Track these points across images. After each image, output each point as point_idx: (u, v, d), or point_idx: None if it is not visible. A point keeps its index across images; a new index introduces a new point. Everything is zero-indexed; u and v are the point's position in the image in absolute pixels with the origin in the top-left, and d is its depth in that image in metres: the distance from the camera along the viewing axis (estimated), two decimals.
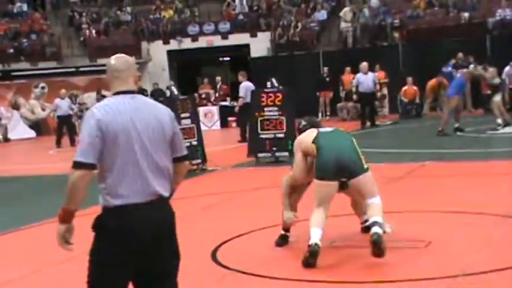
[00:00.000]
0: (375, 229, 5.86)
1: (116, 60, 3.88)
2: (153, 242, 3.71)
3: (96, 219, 3.66)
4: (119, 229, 3.60)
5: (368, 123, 20.68)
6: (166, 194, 3.83)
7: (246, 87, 18.53)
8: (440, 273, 5.57)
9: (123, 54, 4.00)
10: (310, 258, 5.94)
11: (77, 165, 3.56)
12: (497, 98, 17.06)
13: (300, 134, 6.88)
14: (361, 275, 5.75)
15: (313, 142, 6.45)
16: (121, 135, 3.62)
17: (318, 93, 24.60)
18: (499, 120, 16.73)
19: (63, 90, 23.10)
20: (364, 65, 20.94)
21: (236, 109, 20.11)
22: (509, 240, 6.45)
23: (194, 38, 30.53)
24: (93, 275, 3.68)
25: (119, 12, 32.99)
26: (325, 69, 24.90)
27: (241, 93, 18.80)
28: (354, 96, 21.69)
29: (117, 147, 3.61)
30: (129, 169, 3.63)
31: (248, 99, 17.64)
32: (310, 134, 6.62)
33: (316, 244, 5.96)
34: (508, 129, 16.64)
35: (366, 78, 20.75)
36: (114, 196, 3.61)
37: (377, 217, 6.02)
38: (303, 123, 7.00)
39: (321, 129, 6.74)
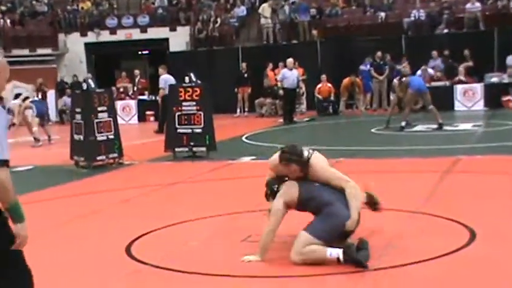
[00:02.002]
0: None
1: None
2: None
3: None
4: None
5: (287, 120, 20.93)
6: None
7: (165, 79, 18.89)
8: (354, 268, 5.67)
9: None
10: None
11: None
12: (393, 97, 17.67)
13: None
14: (273, 270, 5.80)
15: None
16: None
17: (236, 89, 24.63)
18: (403, 123, 17.09)
19: None
20: (290, 60, 21.15)
21: (159, 99, 20.06)
22: (419, 234, 6.62)
23: (112, 31, 30.12)
24: None
25: (34, 2, 32.19)
26: (244, 65, 24.97)
27: (161, 85, 19.09)
28: (280, 92, 21.84)
29: None
30: None
31: (167, 91, 18.17)
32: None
33: None
34: (420, 128, 17.12)
35: (291, 74, 20.97)
36: None
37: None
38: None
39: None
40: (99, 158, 12.92)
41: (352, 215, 5.81)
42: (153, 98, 22.07)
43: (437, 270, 5.58)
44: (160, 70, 19.74)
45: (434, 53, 23.25)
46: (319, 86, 23.66)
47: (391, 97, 17.80)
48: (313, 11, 27.53)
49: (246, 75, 24.70)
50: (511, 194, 8.55)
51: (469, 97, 22.26)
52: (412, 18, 26.05)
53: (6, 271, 3.76)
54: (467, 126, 17.21)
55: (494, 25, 24.20)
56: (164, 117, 18.28)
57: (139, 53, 34.19)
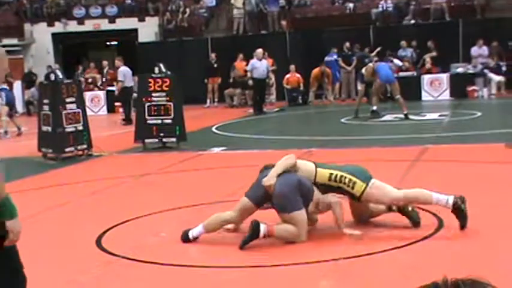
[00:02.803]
0: None
1: None
2: None
3: None
4: None
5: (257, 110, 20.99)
6: None
7: (123, 71, 19.70)
8: (323, 257, 5.75)
9: None
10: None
11: None
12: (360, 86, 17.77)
13: None
14: (242, 260, 5.85)
15: None
16: None
17: (205, 80, 24.59)
18: (374, 107, 17.32)
19: None
20: (259, 51, 21.19)
21: (116, 93, 20.34)
22: (389, 223, 6.71)
23: (80, 21, 29.86)
24: None
25: None
26: (213, 55, 24.92)
27: (120, 77, 19.83)
28: (250, 82, 21.87)
29: None
30: None
31: (127, 83, 19.57)
32: None
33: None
34: (388, 117, 17.29)
35: (261, 65, 21.01)
36: None
37: None
38: None
39: None
40: (67, 149, 12.84)
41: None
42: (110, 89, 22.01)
43: (407, 258, 5.69)
44: (117, 62, 20.37)
45: (403, 43, 23.43)
46: (287, 76, 23.72)
47: (358, 87, 17.92)
48: (282, 2, 27.56)
49: (215, 65, 24.66)
50: (476, 182, 8.70)
51: (435, 87, 22.50)
52: (380, 9, 26.23)
53: None
54: (434, 115, 17.41)
55: (459, 16, 24.48)
56: (128, 108, 19.41)
57: (108, 43, 33.95)
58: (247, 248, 6.11)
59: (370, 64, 17.73)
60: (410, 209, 6.48)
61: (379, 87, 17.31)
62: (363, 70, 18.01)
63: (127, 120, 19.35)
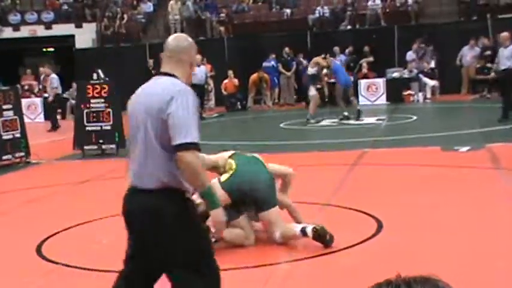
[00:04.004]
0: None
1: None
2: (138, 229, 3.70)
3: None
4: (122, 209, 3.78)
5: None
6: (159, 184, 3.58)
7: (56, 78, 20.11)
8: (265, 261, 5.82)
9: (182, 34, 4.07)
10: None
11: None
12: (313, 92, 17.89)
13: None
14: None
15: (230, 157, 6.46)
16: (130, 118, 3.74)
17: None
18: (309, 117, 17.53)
19: None
20: (198, 57, 21.14)
21: (50, 99, 20.28)
22: (330, 226, 6.82)
23: (16, 27, 29.31)
24: None
25: None
26: (151, 61, 24.75)
27: (55, 85, 20.06)
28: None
29: (131, 129, 3.72)
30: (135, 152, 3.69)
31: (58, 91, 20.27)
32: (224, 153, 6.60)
33: None
34: (326, 122, 17.52)
35: (199, 71, 21.00)
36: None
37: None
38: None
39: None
40: (4, 157, 12.61)
41: None
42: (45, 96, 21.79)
43: (349, 260, 5.79)
44: (47, 70, 20.48)
45: (336, 48, 23.66)
46: (225, 82, 23.77)
47: (311, 92, 17.84)
48: (220, 8, 27.62)
49: (153, 71, 24.50)
50: (413, 184, 8.91)
51: (372, 92, 22.89)
52: (317, 15, 26.54)
53: (196, 266, 3.61)
54: (371, 120, 17.72)
55: (394, 22, 24.98)
56: (56, 115, 20.39)
57: (45, 50, 33.41)
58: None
59: (326, 59, 17.89)
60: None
61: (339, 91, 17.64)
62: (311, 69, 17.98)
63: (53, 128, 19.89)
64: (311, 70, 17.93)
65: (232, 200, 6.13)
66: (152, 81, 3.81)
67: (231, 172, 6.28)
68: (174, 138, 3.49)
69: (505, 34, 15.17)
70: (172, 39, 3.87)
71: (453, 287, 1.32)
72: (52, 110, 20.56)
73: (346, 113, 17.48)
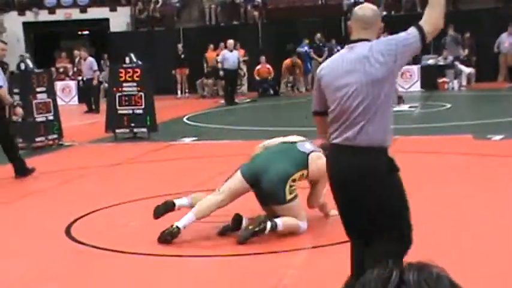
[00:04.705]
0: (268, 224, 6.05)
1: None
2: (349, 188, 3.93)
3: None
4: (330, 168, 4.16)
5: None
6: (371, 142, 3.87)
7: (94, 61, 20.46)
8: (293, 246, 5.83)
9: (369, 5, 4.26)
10: (166, 236, 6.00)
11: None
12: None
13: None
14: (210, 249, 5.90)
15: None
16: (332, 86, 4.05)
17: (173, 71, 24.45)
18: None
19: None
20: (231, 42, 21.21)
21: (95, 82, 20.34)
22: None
23: (51, 10, 29.56)
24: None
25: None
26: (180, 46, 24.81)
27: (95, 67, 20.23)
28: (221, 73, 21.87)
29: (333, 95, 4.05)
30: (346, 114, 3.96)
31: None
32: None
33: (177, 227, 6.00)
34: None
35: (232, 55, 21.03)
36: None
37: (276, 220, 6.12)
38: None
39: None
40: (38, 139, 12.77)
41: None
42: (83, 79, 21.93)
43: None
44: (83, 53, 20.57)
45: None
46: (258, 67, 23.72)
47: None
48: None
49: (182, 56, 24.60)
50: (442, 173, 8.82)
51: (406, 79, 22.68)
52: (352, 0, 26.31)
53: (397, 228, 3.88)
54: (404, 107, 17.55)
55: None
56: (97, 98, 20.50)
57: (79, 33, 33.67)
58: (217, 237, 6.17)
59: None
60: None
61: None
62: None
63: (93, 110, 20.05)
64: None
65: (249, 184, 6.15)
66: (347, 49, 4.02)
67: (251, 157, 6.40)
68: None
69: None
70: (364, 10, 4.10)
71: (449, 276, 1.30)
72: (94, 93, 20.63)
73: None
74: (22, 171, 9.82)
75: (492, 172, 8.75)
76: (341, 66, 3.95)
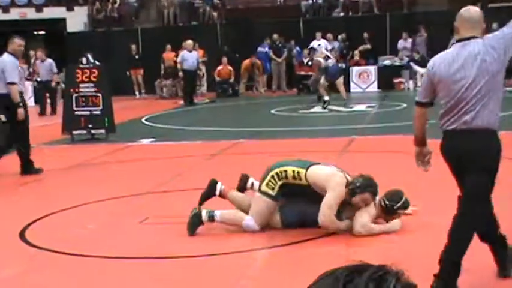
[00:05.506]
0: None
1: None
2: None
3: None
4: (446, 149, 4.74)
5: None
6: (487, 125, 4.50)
7: (53, 62, 20.12)
8: (251, 246, 5.85)
9: (473, 7, 4.80)
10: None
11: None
12: (323, 80, 17.81)
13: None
14: (174, 251, 5.88)
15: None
16: (445, 78, 4.62)
17: (127, 72, 24.26)
18: (326, 98, 17.51)
19: None
20: (190, 42, 21.17)
21: (53, 84, 20.17)
22: None
23: (5, 9, 29.11)
24: None
25: None
26: (133, 46, 24.66)
27: (55, 70, 19.91)
28: (180, 73, 21.81)
29: (451, 86, 4.62)
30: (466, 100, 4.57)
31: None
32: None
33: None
34: (317, 109, 17.52)
35: (191, 56, 20.99)
36: None
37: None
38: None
39: None
40: None
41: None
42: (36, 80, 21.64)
43: (326, 248, 5.81)
44: (39, 53, 20.48)
45: (329, 35, 23.68)
46: (219, 68, 23.71)
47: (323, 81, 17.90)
48: None
49: (136, 56, 24.45)
50: (398, 172, 8.91)
51: (364, 79, 22.89)
52: (310, 2, 26.47)
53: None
54: (361, 107, 17.73)
55: (387, 10, 24.96)
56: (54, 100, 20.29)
57: (35, 33, 33.21)
58: (176, 239, 6.15)
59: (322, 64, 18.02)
60: None
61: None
62: (323, 61, 18.04)
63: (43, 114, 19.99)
64: (324, 62, 18.03)
65: None
66: (459, 47, 4.57)
67: None
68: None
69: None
70: (470, 12, 4.68)
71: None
72: (53, 95, 20.41)
73: (326, 98, 17.51)
74: (28, 170, 9.98)
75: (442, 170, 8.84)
76: (456, 62, 4.50)
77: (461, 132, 4.53)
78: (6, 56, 10.09)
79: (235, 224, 6.26)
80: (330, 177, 6.03)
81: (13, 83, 9.72)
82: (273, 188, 6.10)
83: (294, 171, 6.10)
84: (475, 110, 4.45)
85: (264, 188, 6.14)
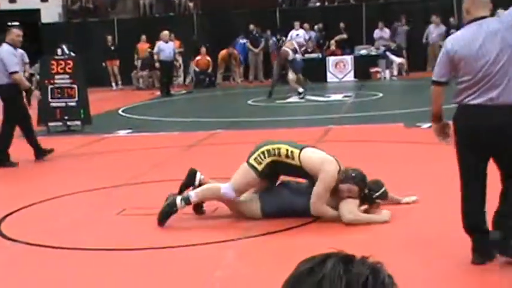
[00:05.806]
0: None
1: None
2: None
3: None
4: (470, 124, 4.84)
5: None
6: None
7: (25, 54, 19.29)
8: (226, 237, 5.87)
9: None
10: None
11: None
12: (292, 75, 17.71)
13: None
14: (149, 242, 5.88)
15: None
16: (468, 56, 4.73)
17: (103, 64, 24.10)
18: (300, 89, 17.50)
19: None
20: (166, 33, 21.11)
21: (26, 75, 19.86)
22: None
23: None
24: None
25: None
26: (109, 37, 24.50)
27: (27, 60, 19.25)
28: (157, 64, 21.74)
29: (474, 63, 4.75)
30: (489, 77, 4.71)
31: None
32: None
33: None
34: (294, 99, 17.54)
35: (167, 47, 20.93)
36: None
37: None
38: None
39: None
40: None
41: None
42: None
43: (301, 238, 5.85)
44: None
45: (306, 25, 23.71)
46: (197, 58, 23.64)
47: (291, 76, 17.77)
48: None
49: (112, 47, 24.31)
50: (376, 160, 8.97)
51: (340, 69, 22.96)
52: None
53: None
54: (338, 97, 17.79)
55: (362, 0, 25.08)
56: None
57: (9, 24, 32.89)
58: (152, 230, 6.15)
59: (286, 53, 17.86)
60: None
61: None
62: (291, 53, 17.82)
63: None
64: (292, 55, 17.80)
65: None
66: (476, 26, 4.68)
67: None
68: None
69: None
70: None
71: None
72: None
73: (300, 90, 17.52)
74: (40, 154, 10.17)
75: (420, 158, 8.95)
76: (477, 40, 4.64)
77: (488, 108, 4.63)
78: (4, 46, 10.22)
79: (214, 196, 6.31)
80: (324, 161, 6.08)
81: (15, 72, 9.89)
82: (260, 163, 6.13)
83: (287, 150, 6.14)
84: (500, 85, 4.59)
85: (251, 161, 6.17)
